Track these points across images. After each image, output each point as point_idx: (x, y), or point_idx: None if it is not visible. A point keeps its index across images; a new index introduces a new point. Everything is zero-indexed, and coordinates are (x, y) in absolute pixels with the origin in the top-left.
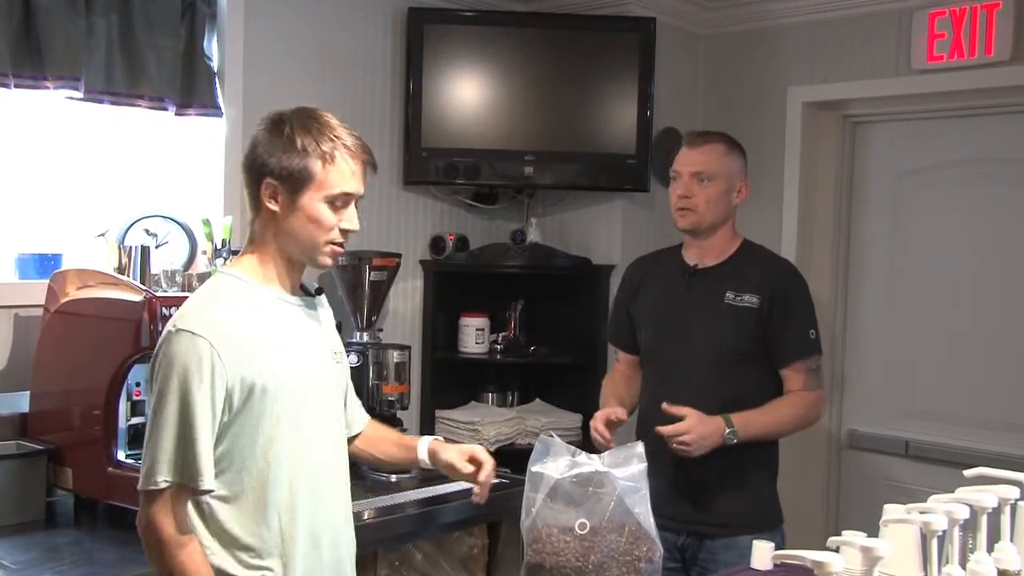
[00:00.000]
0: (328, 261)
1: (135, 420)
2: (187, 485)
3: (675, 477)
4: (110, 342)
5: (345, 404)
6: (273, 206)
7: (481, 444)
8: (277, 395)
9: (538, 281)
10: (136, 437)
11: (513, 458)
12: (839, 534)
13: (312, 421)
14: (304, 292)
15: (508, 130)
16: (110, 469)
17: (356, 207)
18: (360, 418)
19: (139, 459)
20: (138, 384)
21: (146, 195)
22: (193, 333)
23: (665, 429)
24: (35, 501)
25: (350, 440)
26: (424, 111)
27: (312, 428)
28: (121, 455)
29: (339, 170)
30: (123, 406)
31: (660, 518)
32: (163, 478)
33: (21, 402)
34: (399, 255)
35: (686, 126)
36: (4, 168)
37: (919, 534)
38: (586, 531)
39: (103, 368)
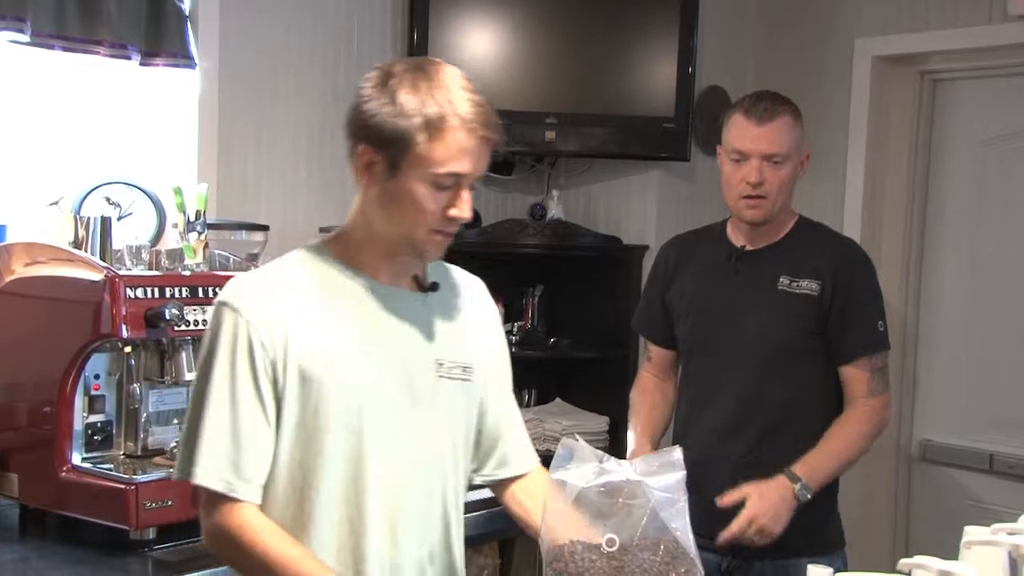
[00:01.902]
0: (432, 253)
1: (94, 418)
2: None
3: (720, 491)
4: (65, 327)
5: (478, 434)
6: (368, 181)
7: None
8: (325, 400)
9: (560, 263)
10: (94, 438)
11: None
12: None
13: (380, 438)
14: (417, 285)
15: (527, 89)
16: (63, 475)
17: (471, 188)
18: (521, 459)
19: (97, 463)
20: (97, 377)
21: (106, 159)
22: (234, 308)
23: (731, 531)
24: None
25: (504, 483)
26: None
27: (382, 447)
28: (76, 458)
29: (447, 144)
30: (80, 402)
31: (702, 537)
32: (199, 472)
33: None
34: None
35: (734, 86)
36: None
37: (1007, 559)
38: (615, 548)
39: (56, 357)
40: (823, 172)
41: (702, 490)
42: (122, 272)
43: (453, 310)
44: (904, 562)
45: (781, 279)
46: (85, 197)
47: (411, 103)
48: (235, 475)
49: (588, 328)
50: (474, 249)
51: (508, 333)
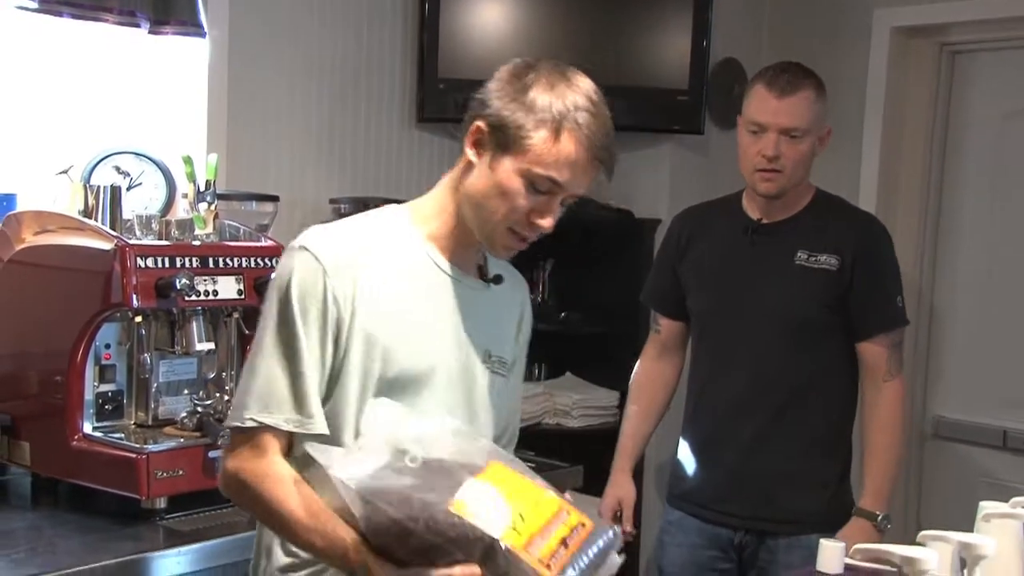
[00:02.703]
0: (503, 253)
1: (104, 387)
2: (282, 428)
3: (733, 468)
4: (75, 297)
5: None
6: (472, 154)
7: None
8: (378, 369)
9: (571, 237)
10: (105, 407)
11: (539, 440)
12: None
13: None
14: (480, 274)
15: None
16: (74, 444)
17: (564, 203)
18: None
19: (108, 433)
20: (108, 346)
21: (116, 128)
22: (312, 254)
23: None
24: None
25: None
26: (442, 36)
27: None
28: (87, 428)
29: (557, 148)
30: (90, 371)
31: (716, 513)
32: (250, 415)
33: None
34: None
35: (749, 58)
36: None
37: None
38: (417, 464)
39: (67, 327)
40: (838, 146)
41: (715, 465)
42: (132, 242)
43: (506, 306)
44: (924, 534)
45: (799, 253)
46: (94, 166)
47: (541, 99)
48: (302, 415)
49: (599, 302)
50: None
51: None
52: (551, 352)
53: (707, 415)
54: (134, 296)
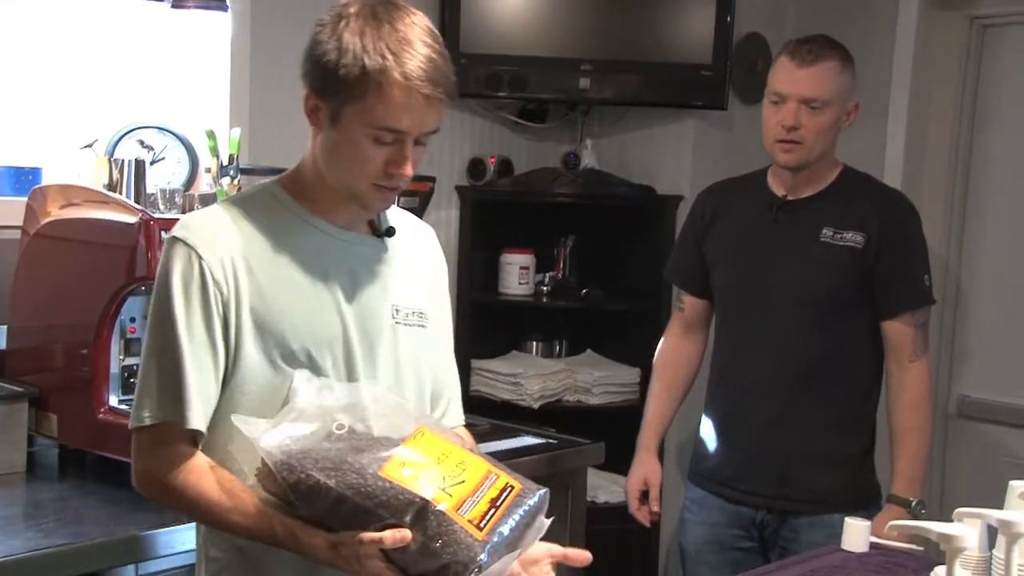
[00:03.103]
0: (377, 206)
1: (130, 361)
2: (175, 424)
3: (755, 446)
4: (100, 270)
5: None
6: (315, 126)
7: (523, 400)
8: (278, 344)
9: (592, 213)
10: (130, 380)
11: (559, 417)
12: (948, 515)
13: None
14: (372, 230)
15: (561, 34)
16: (100, 416)
17: (421, 143)
18: (456, 413)
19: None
20: (133, 320)
21: (139, 102)
22: (185, 243)
23: None
24: (16, 450)
25: None
26: (463, 10)
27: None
28: (113, 400)
29: (386, 99)
30: (116, 344)
31: (737, 492)
32: (147, 413)
33: None
34: (432, 179)
35: (774, 32)
36: None
37: None
38: (344, 431)
39: (92, 300)
40: (863, 122)
41: (737, 442)
42: (156, 215)
43: (407, 256)
44: (960, 511)
45: (824, 231)
46: (118, 140)
47: (354, 50)
48: (186, 413)
49: (620, 279)
50: (506, 198)
51: (539, 284)
52: (572, 329)
53: (729, 392)
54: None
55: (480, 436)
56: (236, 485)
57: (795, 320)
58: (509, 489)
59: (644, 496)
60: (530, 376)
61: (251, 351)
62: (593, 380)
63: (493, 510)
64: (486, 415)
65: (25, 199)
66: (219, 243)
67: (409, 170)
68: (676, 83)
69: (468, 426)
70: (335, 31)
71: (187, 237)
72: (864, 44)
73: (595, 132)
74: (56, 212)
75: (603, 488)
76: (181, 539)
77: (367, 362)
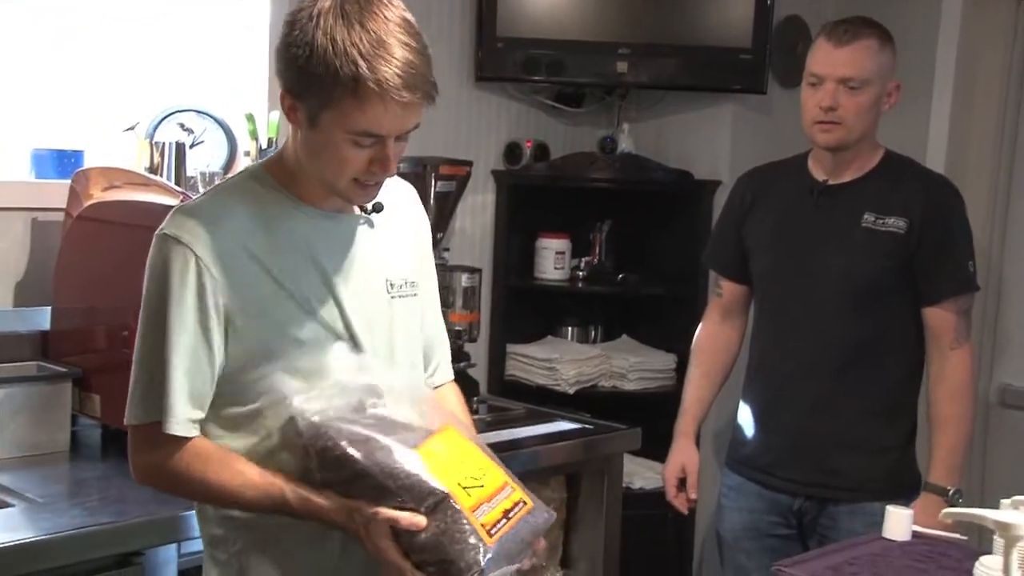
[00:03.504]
0: (358, 200)
1: None
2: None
3: (794, 433)
4: (142, 252)
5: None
6: (295, 124)
7: (558, 385)
8: (281, 333)
9: (629, 198)
10: None
11: (595, 402)
12: (988, 504)
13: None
14: (359, 207)
15: (599, 18)
16: None
17: (402, 139)
18: (446, 369)
19: None
20: None
21: (179, 86)
22: (179, 240)
23: None
24: (59, 430)
25: None
26: None
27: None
28: None
29: (362, 107)
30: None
31: (775, 479)
32: (135, 413)
33: (41, 319)
34: (469, 163)
35: (814, 14)
36: (17, 52)
37: None
38: (379, 408)
39: (133, 282)
40: (905, 106)
41: (776, 429)
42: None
43: (394, 226)
44: (1016, 499)
45: (866, 216)
46: (159, 124)
47: (327, 56)
48: (192, 416)
49: (657, 264)
50: (542, 182)
51: (575, 268)
52: (607, 314)
53: (768, 379)
54: None
55: (515, 421)
56: (238, 461)
57: (835, 306)
58: (522, 504)
59: (681, 483)
60: (565, 361)
61: (251, 343)
62: (629, 366)
63: (505, 520)
64: (521, 400)
65: (68, 182)
66: (214, 239)
67: (392, 167)
68: (715, 67)
69: (503, 410)
70: (306, 31)
71: (180, 235)
72: (906, 25)
73: (632, 116)
74: (98, 195)
75: (638, 474)
76: None
77: (367, 339)
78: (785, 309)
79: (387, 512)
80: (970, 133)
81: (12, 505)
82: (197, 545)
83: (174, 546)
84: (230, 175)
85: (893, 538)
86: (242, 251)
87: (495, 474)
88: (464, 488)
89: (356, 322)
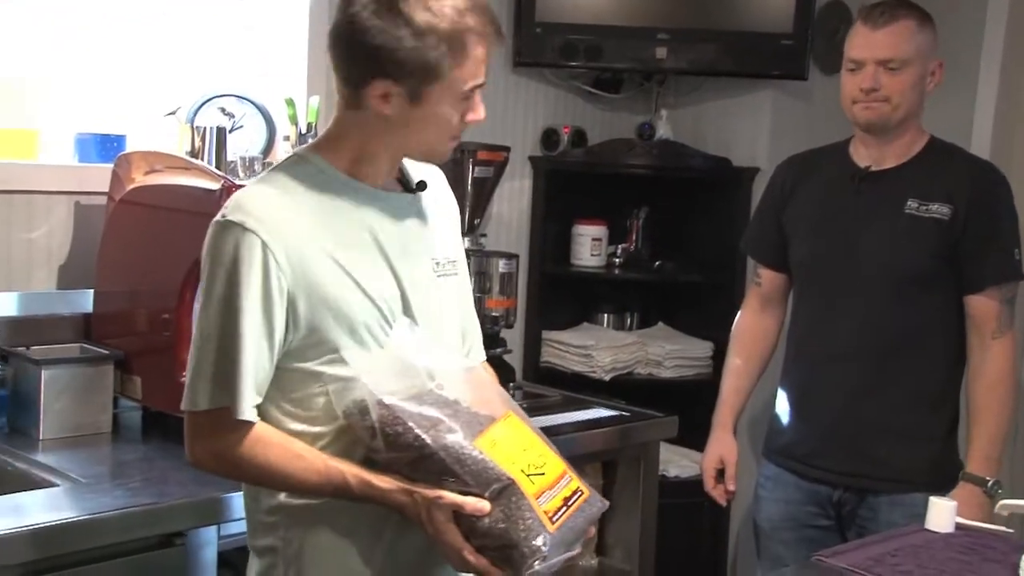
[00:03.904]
0: (446, 158)
1: None
2: (229, 409)
3: (833, 422)
4: (183, 236)
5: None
6: (386, 110)
7: (594, 372)
8: (346, 313)
9: (666, 184)
10: None
11: (630, 389)
12: None
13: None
14: (403, 186)
15: (638, 2)
16: (182, 380)
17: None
18: (479, 349)
19: None
20: None
21: (218, 71)
22: (243, 226)
23: None
24: (102, 411)
25: None
26: None
27: None
28: None
29: (469, 62)
30: (197, 310)
31: (813, 469)
32: (202, 400)
33: (84, 301)
34: (507, 149)
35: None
36: (59, 37)
37: None
38: (444, 390)
39: (175, 265)
40: (949, 91)
41: (814, 418)
42: (238, 182)
43: (434, 206)
44: None
45: (909, 202)
46: (198, 108)
47: (427, 26)
48: (239, 403)
49: (694, 251)
50: (579, 168)
51: (611, 255)
52: (644, 301)
53: (806, 366)
54: None
55: (551, 407)
56: (298, 445)
57: (877, 293)
58: (580, 493)
59: (720, 474)
60: (601, 348)
61: (314, 326)
62: (665, 353)
63: (565, 508)
64: (556, 387)
65: (111, 166)
66: (276, 223)
67: (484, 112)
68: (755, 52)
69: (538, 396)
70: (397, 12)
71: (245, 221)
72: (952, 8)
73: (670, 102)
74: (140, 178)
75: (674, 462)
76: None
77: (422, 318)
78: (825, 295)
79: (452, 496)
80: (1017, 118)
81: (57, 485)
82: (237, 527)
83: (215, 528)
84: (274, 160)
85: (936, 529)
86: (303, 234)
87: (555, 463)
88: (527, 475)
89: (414, 300)
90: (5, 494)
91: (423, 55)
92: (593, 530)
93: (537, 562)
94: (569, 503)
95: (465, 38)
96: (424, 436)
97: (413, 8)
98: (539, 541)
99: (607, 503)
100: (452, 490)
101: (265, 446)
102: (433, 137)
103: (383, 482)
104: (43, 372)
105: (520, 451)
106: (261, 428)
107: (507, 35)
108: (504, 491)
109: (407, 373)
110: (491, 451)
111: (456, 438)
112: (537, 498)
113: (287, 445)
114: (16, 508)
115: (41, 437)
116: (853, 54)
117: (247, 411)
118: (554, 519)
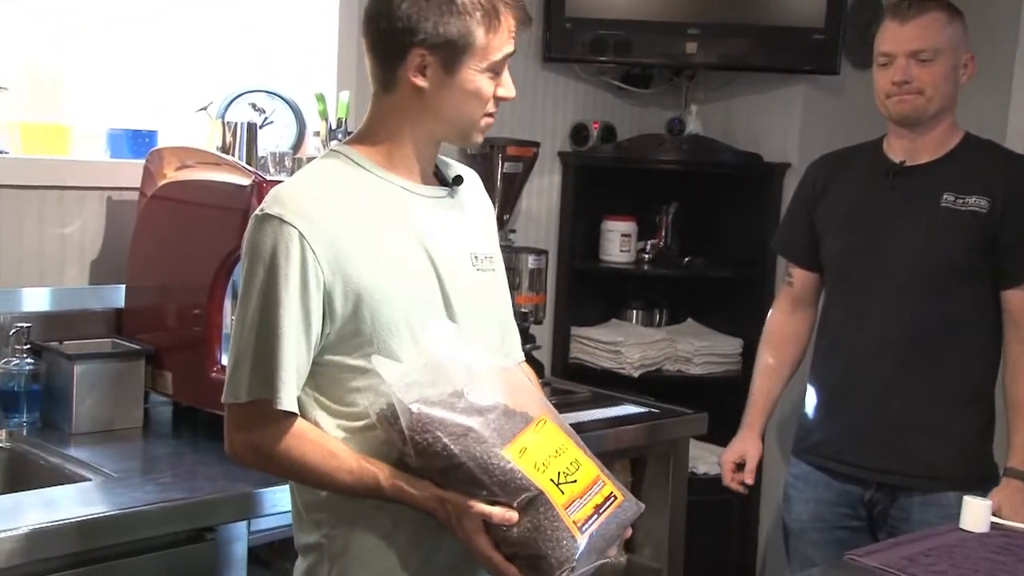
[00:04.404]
0: (480, 138)
1: None
2: (270, 401)
3: (864, 419)
4: (214, 231)
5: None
6: (421, 82)
7: (623, 368)
8: (384, 306)
9: (696, 180)
10: None
11: (659, 386)
12: None
13: (436, 340)
14: (439, 181)
15: None
16: (213, 375)
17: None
18: (518, 350)
19: None
20: None
21: (250, 65)
22: (282, 220)
23: None
24: (133, 406)
25: None
26: None
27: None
28: (225, 359)
29: (501, 31)
30: (228, 305)
31: (844, 466)
32: (243, 391)
33: (116, 296)
34: (537, 144)
35: None
36: (92, 34)
37: None
38: (474, 401)
39: (206, 261)
40: (984, 87)
41: (845, 414)
42: (269, 178)
43: (470, 202)
44: None
45: (945, 196)
46: (229, 104)
47: (464, 4)
48: (279, 394)
49: (724, 248)
50: (608, 164)
51: (640, 251)
52: (673, 297)
53: (838, 363)
54: None
55: (580, 404)
56: (334, 443)
57: (912, 288)
58: (613, 499)
59: (739, 468)
60: (630, 344)
61: (350, 320)
62: (694, 350)
63: (596, 516)
64: (585, 383)
65: (143, 161)
66: (315, 217)
67: (513, 90)
68: (786, 47)
69: (567, 393)
70: None
71: (283, 214)
72: (986, 5)
73: (700, 98)
74: (172, 174)
75: (703, 459)
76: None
77: (462, 314)
78: (858, 291)
79: (480, 507)
80: None
81: (89, 479)
82: (267, 522)
83: (245, 523)
84: (304, 155)
85: (971, 529)
86: (341, 227)
87: (588, 468)
88: (557, 485)
89: (453, 293)
90: (38, 488)
91: (458, 21)
92: (629, 531)
93: (566, 573)
94: (601, 510)
95: (497, 6)
96: (452, 446)
97: None
98: (567, 552)
99: (642, 506)
100: (482, 499)
101: (301, 441)
102: (468, 111)
103: (415, 487)
104: (75, 367)
105: (552, 457)
106: (299, 424)
107: (537, 30)
108: (533, 501)
109: (440, 376)
110: (520, 460)
111: (485, 448)
112: (567, 508)
113: (322, 442)
114: (48, 502)
115: (73, 432)
116: (883, 48)
117: (286, 402)
118: (583, 528)
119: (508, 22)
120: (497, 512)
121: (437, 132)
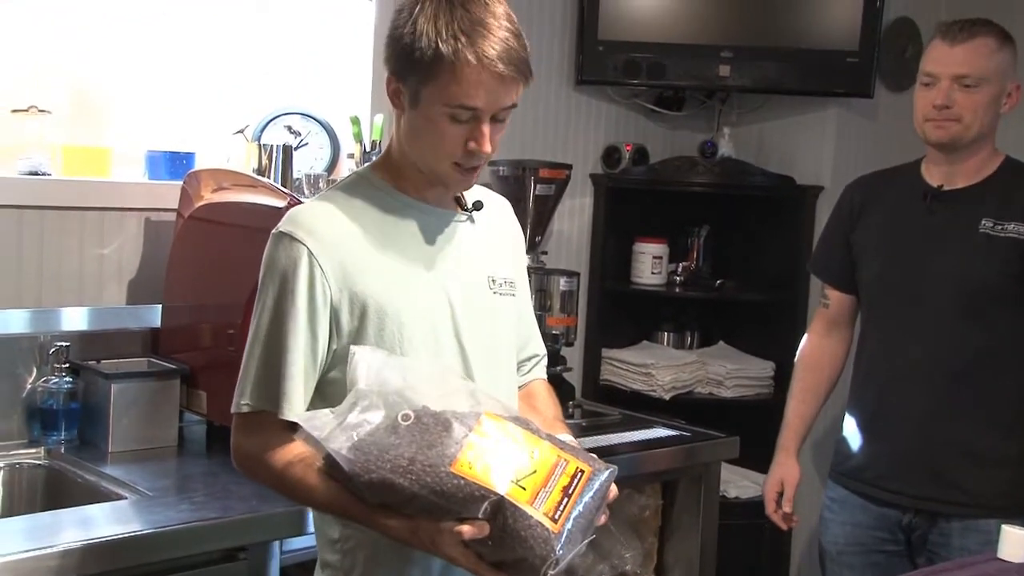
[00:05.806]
0: (456, 186)
1: None
2: (272, 412)
3: (904, 444)
4: (249, 252)
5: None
6: (397, 107)
7: (654, 391)
8: (390, 324)
9: (728, 203)
10: None
11: (690, 409)
12: None
13: (448, 361)
14: (459, 205)
15: (701, 20)
16: None
17: (499, 120)
18: (540, 366)
19: None
20: None
21: (283, 89)
22: (292, 237)
23: None
24: (167, 425)
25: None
26: None
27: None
28: None
29: (459, 78)
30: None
31: (883, 491)
32: (246, 401)
33: (152, 316)
34: (569, 166)
35: (925, 16)
36: (132, 57)
37: None
38: (411, 421)
39: (240, 282)
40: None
41: (885, 440)
42: (303, 199)
43: (494, 228)
44: None
45: (984, 221)
46: (265, 126)
47: (428, 34)
48: (282, 404)
49: (756, 271)
50: (640, 186)
51: (672, 273)
52: (704, 320)
53: (876, 387)
54: None
55: (611, 426)
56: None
57: (950, 313)
58: (580, 474)
59: (780, 497)
60: (661, 367)
61: (360, 336)
62: (726, 373)
63: (566, 499)
64: (616, 405)
65: (180, 183)
66: (325, 236)
67: (487, 147)
68: (819, 70)
69: (598, 415)
70: (411, 16)
71: (295, 232)
72: None
73: (733, 120)
74: (208, 195)
75: (734, 483)
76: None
77: (471, 335)
78: (896, 315)
79: (450, 527)
80: None
81: (124, 498)
82: (299, 543)
83: (276, 543)
84: (338, 177)
85: (1010, 560)
86: (351, 246)
87: (546, 452)
88: (517, 483)
89: (462, 316)
90: (74, 506)
91: (415, 55)
92: (614, 491)
93: (551, 566)
94: (570, 491)
95: (460, 53)
96: (401, 481)
97: (425, 15)
98: (547, 547)
99: (615, 468)
100: (450, 519)
101: (287, 453)
102: (432, 148)
103: (386, 519)
104: (112, 386)
105: (505, 452)
106: (290, 448)
107: (570, 53)
108: (497, 507)
109: (372, 406)
110: (471, 470)
111: (434, 472)
112: (532, 503)
113: (308, 459)
114: (84, 520)
115: (110, 450)
116: (928, 68)
117: (288, 412)
118: (556, 517)
119: (469, 72)
120: (466, 529)
121: (415, 160)
